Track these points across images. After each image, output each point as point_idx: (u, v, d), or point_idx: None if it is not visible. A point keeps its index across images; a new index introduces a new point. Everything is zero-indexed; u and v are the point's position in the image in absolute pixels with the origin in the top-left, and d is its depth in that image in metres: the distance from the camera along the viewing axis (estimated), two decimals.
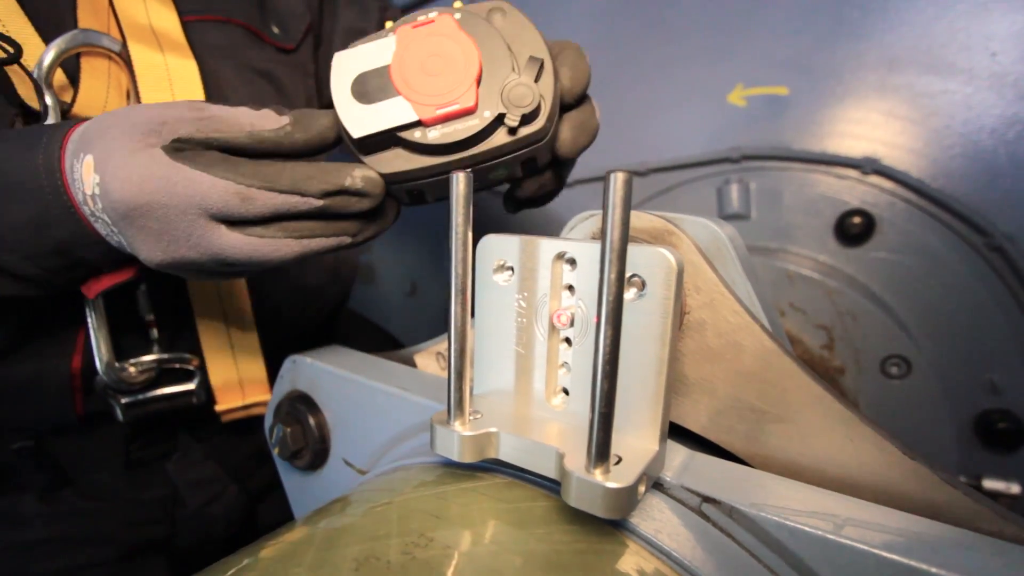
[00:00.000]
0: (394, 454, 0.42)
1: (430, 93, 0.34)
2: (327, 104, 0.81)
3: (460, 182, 0.27)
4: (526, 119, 0.34)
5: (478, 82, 0.34)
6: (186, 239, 0.34)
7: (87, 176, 0.34)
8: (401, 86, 0.35)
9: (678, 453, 0.32)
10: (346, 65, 0.36)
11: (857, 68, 0.74)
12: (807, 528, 0.25)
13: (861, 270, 0.75)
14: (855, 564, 0.24)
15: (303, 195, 0.34)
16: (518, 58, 0.35)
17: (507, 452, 0.30)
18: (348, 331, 0.93)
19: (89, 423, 0.55)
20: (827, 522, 0.25)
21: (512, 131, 0.35)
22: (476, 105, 0.34)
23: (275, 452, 0.50)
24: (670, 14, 0.84)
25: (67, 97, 0.48)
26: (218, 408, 0.62)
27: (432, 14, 0.36)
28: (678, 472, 0.30)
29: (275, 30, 0.64)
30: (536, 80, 0.35)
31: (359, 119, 0.35)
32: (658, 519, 0.29)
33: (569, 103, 0.39)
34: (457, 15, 0.36)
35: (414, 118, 0.34)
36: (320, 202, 0.35)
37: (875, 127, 0.74)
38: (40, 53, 0.46)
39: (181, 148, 0.34)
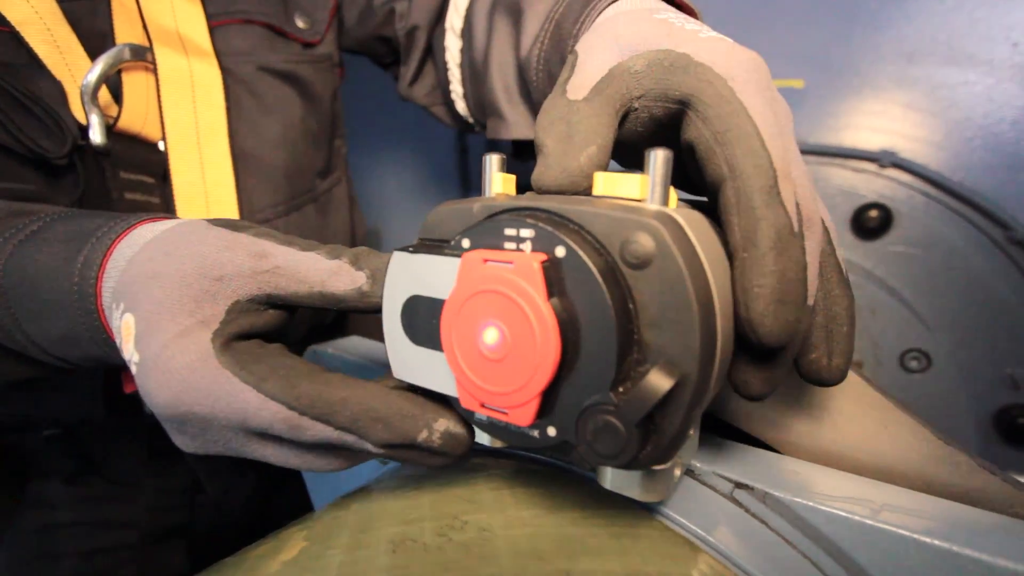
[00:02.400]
0: None
1: (479, 376, 0.23)
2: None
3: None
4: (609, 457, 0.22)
5: (543, 395, 0.22)
6: (224, 444, 0.30)
7: (126, 340, 0.30)
8: (447, 345, 0.24)
9: (707, 439, 0.32)
10: (402, 274, 0.27)
11: (875, 60, 0.73)
12: (843, 514, 0.25)
13: (879, 264, 0.74)
14: (894, 550, 0.24)
15: (361, 437, 0.27)
16: (643, 348, 0.20)
17: None
18: (354, 330, 0.93)
19: (116, 416, 0.56)
20: (864, 507, 0.25)
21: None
22: (533, 422, 0.23)
23: None
24: None
25: (112, 112, 0.48)
26: None
27: (524, 235, 0.22)
28: (709, 458, 0.30)
29: (300, 24, 0.61)
30: (645, 421, 0.20)
31: (402, 355, 0.27)
32: (691, 505, 0.29)
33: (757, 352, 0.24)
34: (560, 250, 0.21)
35: (454, 395, 0.25)
36: (379, 451, 0.27)
37: (893, 120, 0.73)
38: (83, 63, 0.45)
39: (237, 331, 0.28)
